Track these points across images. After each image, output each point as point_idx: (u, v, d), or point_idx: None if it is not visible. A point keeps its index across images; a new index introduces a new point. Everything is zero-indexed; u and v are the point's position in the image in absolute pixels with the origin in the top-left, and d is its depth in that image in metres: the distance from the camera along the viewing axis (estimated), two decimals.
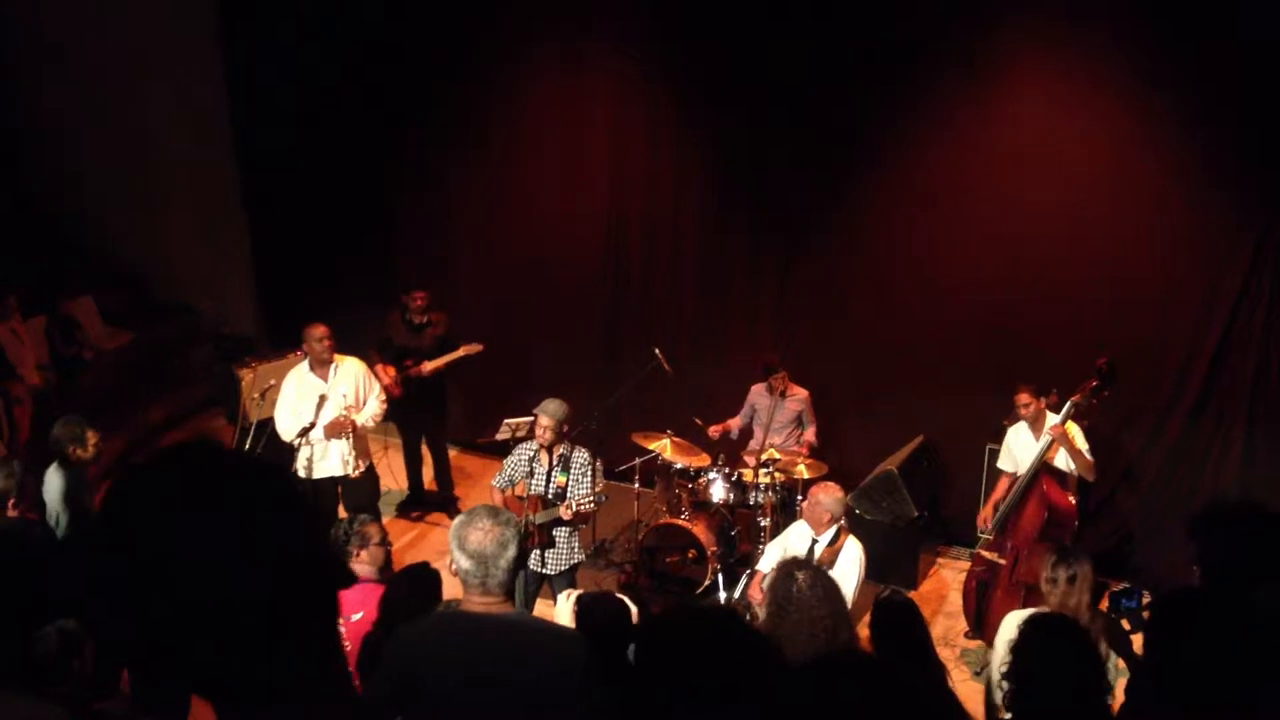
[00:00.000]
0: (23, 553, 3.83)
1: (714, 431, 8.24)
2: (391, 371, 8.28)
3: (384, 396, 7.67)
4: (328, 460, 7.36)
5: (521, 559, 3.49)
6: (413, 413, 8.50)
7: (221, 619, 1.25)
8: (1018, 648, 3.30)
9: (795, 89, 8.31)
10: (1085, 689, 3.13)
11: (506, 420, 7.94)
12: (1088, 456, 6.80)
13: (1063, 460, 6.82)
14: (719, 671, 2.50)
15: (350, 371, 7.48)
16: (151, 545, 1.27)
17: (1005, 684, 3.26)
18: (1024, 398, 6.91)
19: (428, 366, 8.40)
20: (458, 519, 3.52)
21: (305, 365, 7.46)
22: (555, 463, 6.53)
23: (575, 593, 4.29)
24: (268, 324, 10.69)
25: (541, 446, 6.52)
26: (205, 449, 1.37)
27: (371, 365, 7.91)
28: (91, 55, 10.30)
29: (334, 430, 7.24)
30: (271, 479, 1.38)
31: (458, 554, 3.41)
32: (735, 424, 8.35)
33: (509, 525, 3.45)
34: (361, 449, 7.52)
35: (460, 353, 8.45)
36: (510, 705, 3.27)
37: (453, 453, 9.26)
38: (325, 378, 7.38)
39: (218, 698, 1.33)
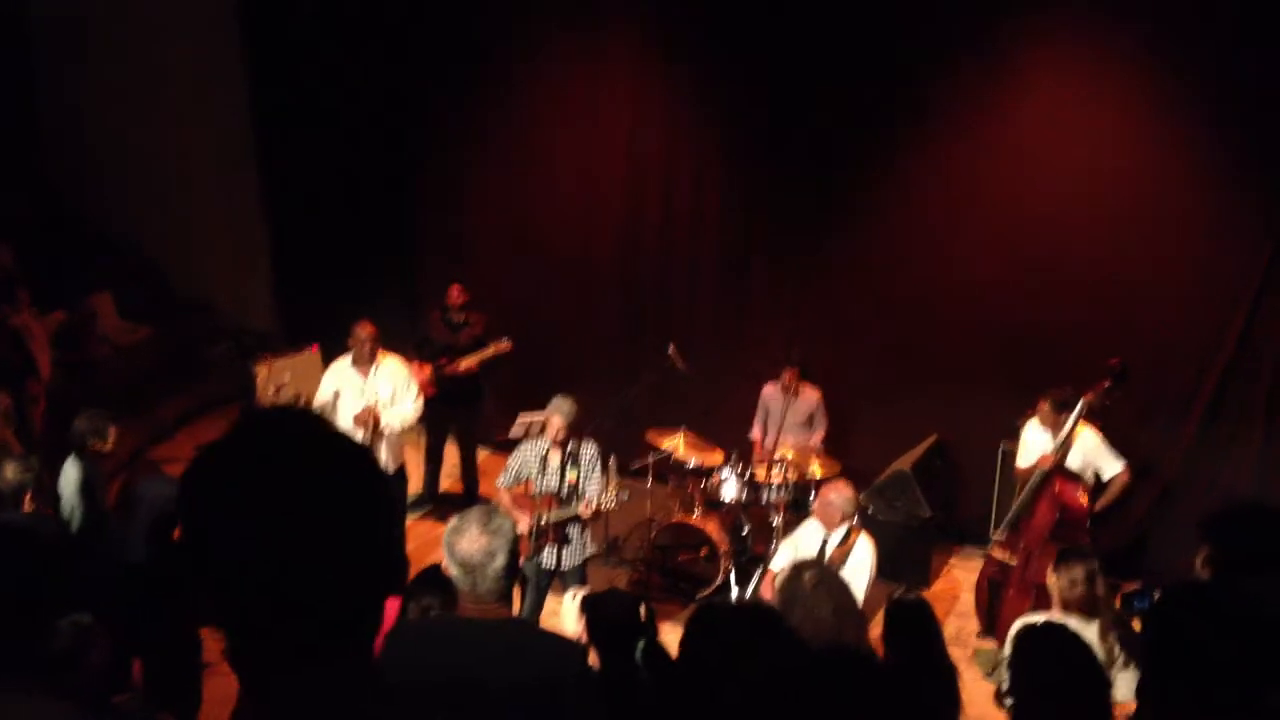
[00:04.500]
0: (36, 549, 3.85)
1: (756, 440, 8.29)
2: (427, 370, 8.28)
3: (421, 401, 7.55)
4: None
5: (513, 568, 3.45)
6: (441, 412, 8.40)
7: (290, 574, 1.29)
8: (1014, 659, 3.30)
9: (812, 90, 8.31)
10: (1083, 692, 3.12)
11: (520, 417, 7.94)
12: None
13: (1076, 461, 6.79)
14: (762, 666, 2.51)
15: (390, 372, 7.44)
16: (247, 496, 1.31)
17: (1008, 699, 3.25)
18: (1044, 407, 6.88)
19: (461, 365, 8.40)
20: (450, 524, 3.49)
21: (347, 360, 7.44)
22: (565, 459, 6.54)
23: (581, 592, 4.29)
24: (284, 319, 10.73)
25: (553, 443, 6.53)
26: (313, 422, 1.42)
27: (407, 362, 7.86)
28: (114, 53, 10.37)
29: (359, 420, 7.19)
30: (365, 462, 1.42)
31: (448, 560, 3.41)
32: (757, 434, 8.35)
33: (498, 534, 3.41)
34: (394, 451, 7.49)
35: (490, 350, 8.44)
36: (502, 709, 3.27)
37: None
38: (365, 375, 7.38)
39: (258, 658, 1.36)
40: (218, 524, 1.30)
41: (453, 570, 3.40)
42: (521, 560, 5.77)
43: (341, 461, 1.38)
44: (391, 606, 4.48)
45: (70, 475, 6.01)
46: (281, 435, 1.37)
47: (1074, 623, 3.96)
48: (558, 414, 6.45)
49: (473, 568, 3.36)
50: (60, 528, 5.67)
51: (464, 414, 8.71)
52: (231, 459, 1.35)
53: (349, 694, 1.36)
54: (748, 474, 7.74)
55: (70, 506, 5.95)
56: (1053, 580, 4.84)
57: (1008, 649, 3.58)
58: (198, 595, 1.32)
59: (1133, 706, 3.75)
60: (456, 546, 3.38)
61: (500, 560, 3.38)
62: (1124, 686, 4.42)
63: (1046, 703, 3.09)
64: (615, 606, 4.20)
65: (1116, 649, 4.65)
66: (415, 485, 8.61)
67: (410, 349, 8.23)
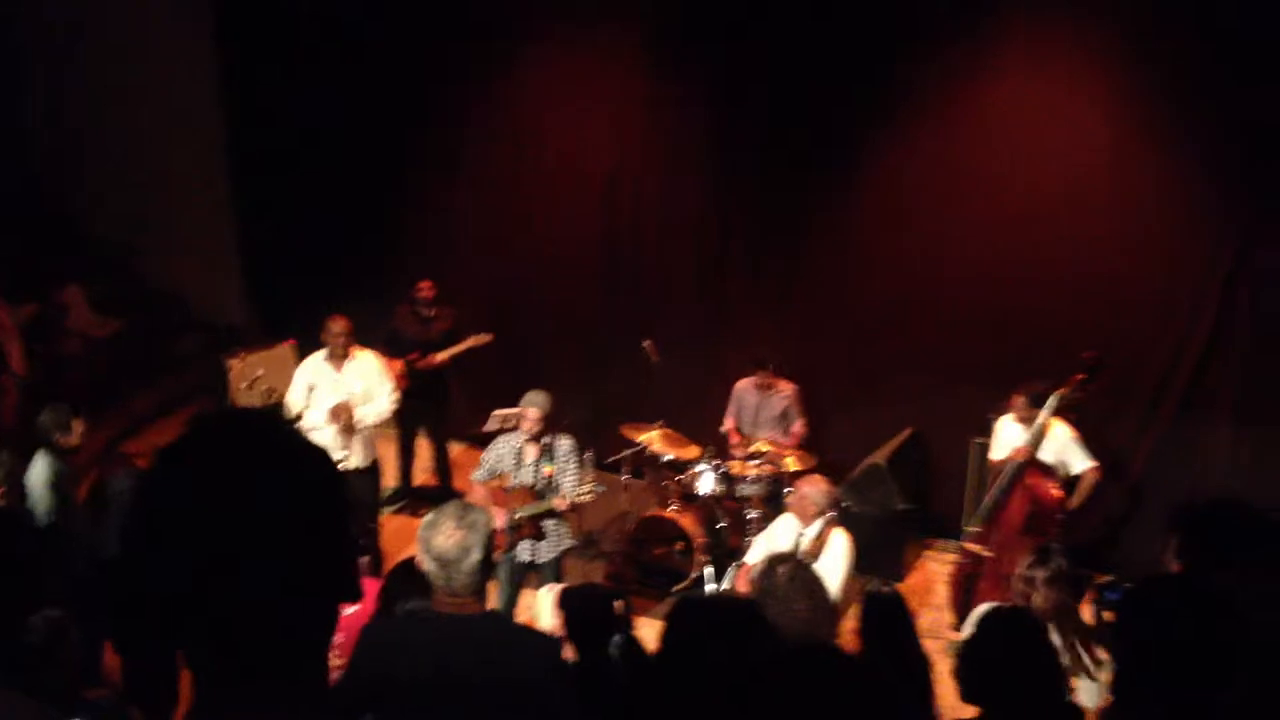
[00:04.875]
0: (16, 543, 3.83)
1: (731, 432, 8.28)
2: (398, 365, 8.23)
3: (396, 396, 7.54)
4: None
5: (488, 562, 3.46)
6: (413, 406, 8.32)
7: (240, 583, 1.27)
8: (972, 641, 3.32)
9: (793, 86, 8.33)
10: (1040, 679, 3.15)
11: (496, 412, 7.93)
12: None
13: (1048, 456, 6.84)
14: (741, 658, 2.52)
15: (364, 367, 7.41)
16: (203, 498, 1.29)
17: (960, 675, 3.27)
18: (1019, 401, 6.91)
19: (437, 358, 8.38)
20: (426, 518, 3.49)
21: (322, 354, 7.40)
22: (541, 453, 6.54)
23: (557, 586, 4.30)
24: (259, 313, 10.67)
25: (528, 437, 6.52)
26: (271, 420, 1.40)
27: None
28: (89, 50, 10.29)
29: (333, 415, 7.16)
30: (324, 463, 1.40)
31: (423, 554, 3.41)
32: (730, 425, 8.35)
33: (474, 529, 3.41)
34: (368, 446, 7.46)
35: (469, 343, 8.43)
36: (477, 704, 3.27)
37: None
38: (339, 370, 7.35)
39: (205, 668, 1.34)
40: (172, 530, 1.28)
41: (427, 565, 3.39)
42: (497, 554, 5.77)
43: (297, 463, 1.36)
44: (366, 606, 4.47)
45: (39, 470, 5.95)
46: (236, 437, 1.35)
47: None
48: (533, 408, 6.45)
49: (447, 562, 3.35)
50: (32, 523, 5.62)
51: (430, 410, 8.68)
52: (183, 464, 1.33)
53: (301, 698, 1.35)
54: (723, 468, 7.76)
55: (36, 501, 5.90)
56: None
57: (967, 628, 3.61)
58: (151, 602, 1.31)
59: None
60: (431, 541, 3.38)
61: (475, 555, 3.38)
62: (1082, 695, 4.44)
63: (1001, 684, 3.12)
64: (591, 600, 4.21)
65: (1067, 657, 4.65)
66: (390, 480, 8.58)
67: (379, 344, 8.18)
